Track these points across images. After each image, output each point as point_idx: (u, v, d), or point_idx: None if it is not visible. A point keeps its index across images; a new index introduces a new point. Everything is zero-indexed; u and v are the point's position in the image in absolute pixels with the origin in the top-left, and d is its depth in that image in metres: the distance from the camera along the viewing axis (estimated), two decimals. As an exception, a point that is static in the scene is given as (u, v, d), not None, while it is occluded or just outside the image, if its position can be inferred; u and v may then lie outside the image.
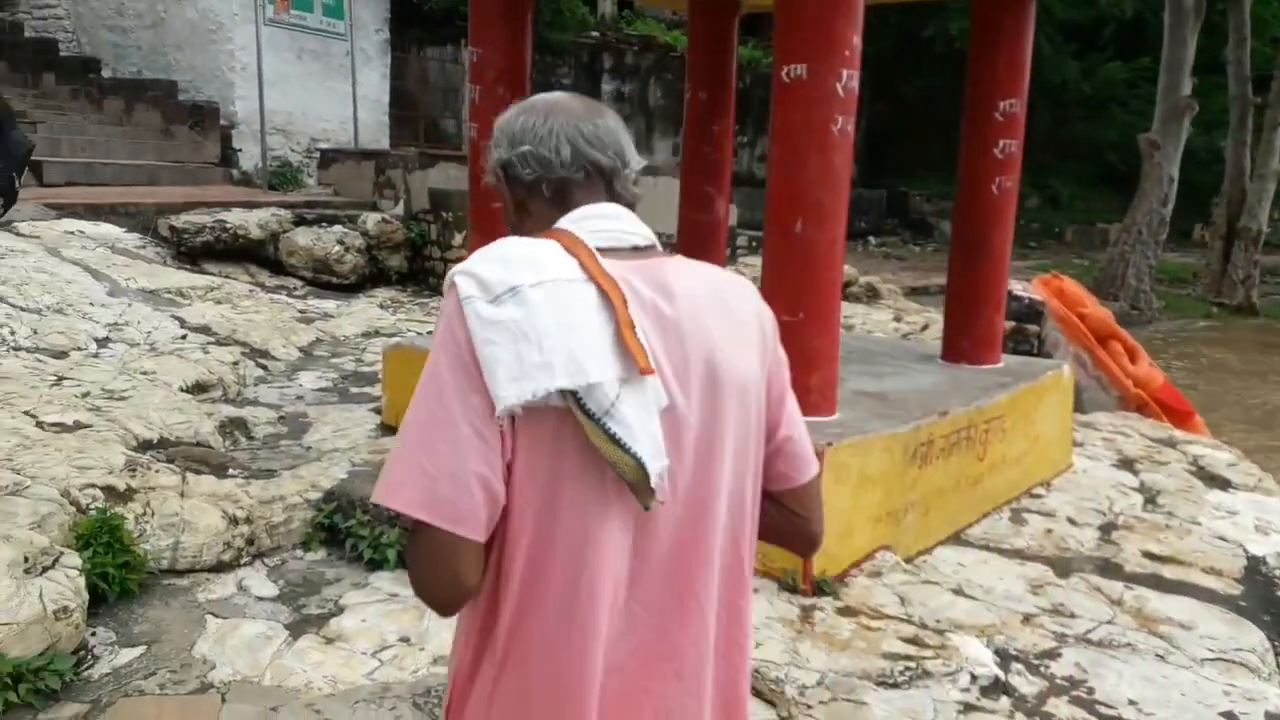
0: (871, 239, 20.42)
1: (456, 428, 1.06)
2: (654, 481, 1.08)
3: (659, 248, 1.23)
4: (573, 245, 1.14)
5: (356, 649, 2.86)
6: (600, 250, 1.14)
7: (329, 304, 7.72)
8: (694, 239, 5.62)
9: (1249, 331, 14.95)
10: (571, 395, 1.06)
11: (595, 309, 1.09)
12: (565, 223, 1.18)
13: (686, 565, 1.17)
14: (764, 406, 1.23)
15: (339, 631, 2.96)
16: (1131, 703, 2.85)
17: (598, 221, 1.18)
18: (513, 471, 1.09)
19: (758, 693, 2.71)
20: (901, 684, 2.72)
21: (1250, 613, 3.52)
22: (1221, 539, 4.10)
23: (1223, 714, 2.83)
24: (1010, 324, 6.90)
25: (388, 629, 2.95)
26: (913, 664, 2.79)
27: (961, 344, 4.85)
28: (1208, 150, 20.22)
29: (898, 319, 8.99)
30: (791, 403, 1.28)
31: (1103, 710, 2.80)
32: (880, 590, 3.28)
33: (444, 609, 1.14)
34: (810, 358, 3.62)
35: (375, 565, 3.33)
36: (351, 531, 3.45)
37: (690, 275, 1.20)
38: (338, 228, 8.65)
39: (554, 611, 1.12)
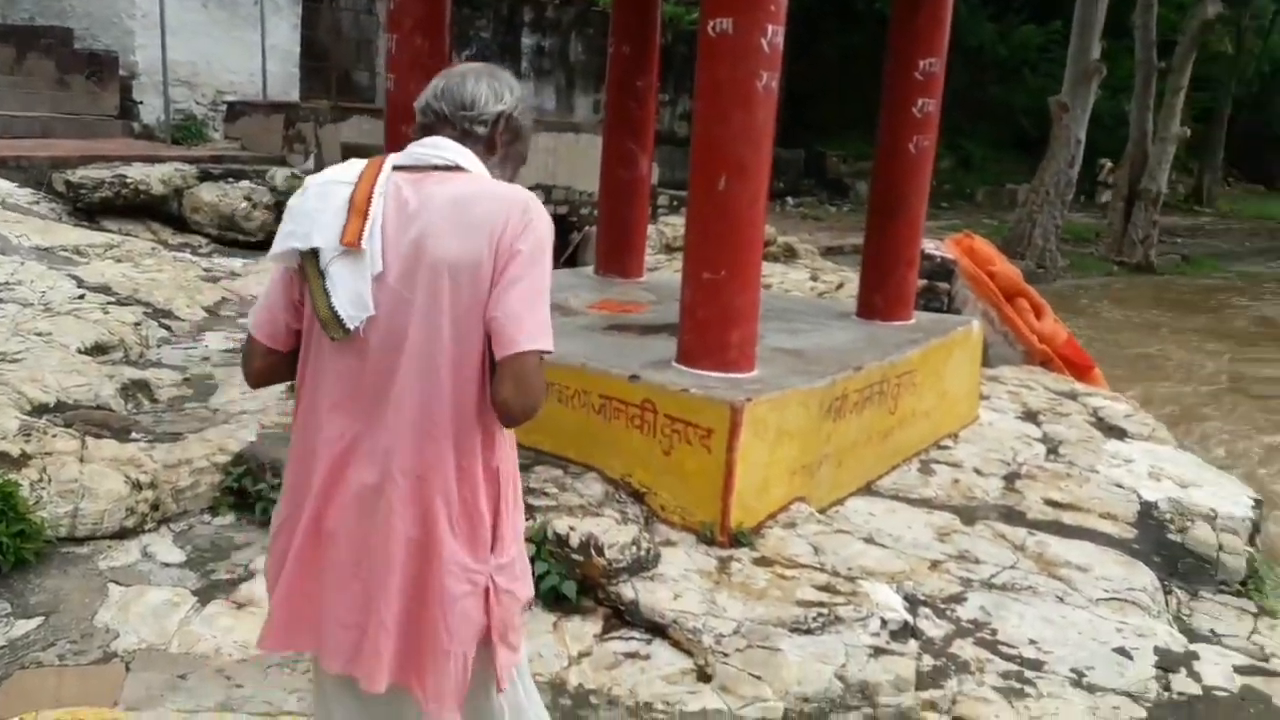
0: (789, 199, 20.55)
1: (273, 278, 1.65)
2: (347, 324, 1.52)
3: (464, 169, 1.60)
4: (373, 161, 1.60)
5: (269, 612, 2.81)
6: (400, 166, 1.59)
7: (236, 262, 7.47)
8: (617, 196, 5.57)
9: (1147, 289, 15.57)
10: (309, 254, 1.54)
11: (344, 201, 1.55)
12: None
13: (384, 387, 1.55)
14: (478, 286, 1.51)
15: (250, 596, 2.90)
16: (1032, 642, 2.98)
17: (416, 148, 1.63)
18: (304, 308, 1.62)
19: (675, 643, 2.75)
20: (815, 630, 2.79)
21: (1143, 555, 3.70)
22: (1118, 486, 4.29)
23: (1116, 650, 2.98)
24: (923, 282, 7.03)
25: (301, 591, 2.90)
26: (825, 611, 2.86)
27: (876, 301, 4.93)
28: (1113, 114, 20.82)
29: (814, 278, 9.11)
30: (511, 293, 1.51)
31: (1005, 650, 2.92)
32: (795, 540, 3.34)
33: (246, 380, 1.71)
34: (731, 315, 3.64)
35: (287, 527, 3.26)
36: (262, 495, 3.37)
37: (448, 185, 1.57)
38: (245, 183, 8.35)
39: (304, 409, 1.64)
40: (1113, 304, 14.04)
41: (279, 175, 8.59)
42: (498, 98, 1.65)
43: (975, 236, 7.72)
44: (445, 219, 1.52)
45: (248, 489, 3.43)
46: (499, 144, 1.67)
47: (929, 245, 7.31)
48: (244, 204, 8.10)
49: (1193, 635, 3.27)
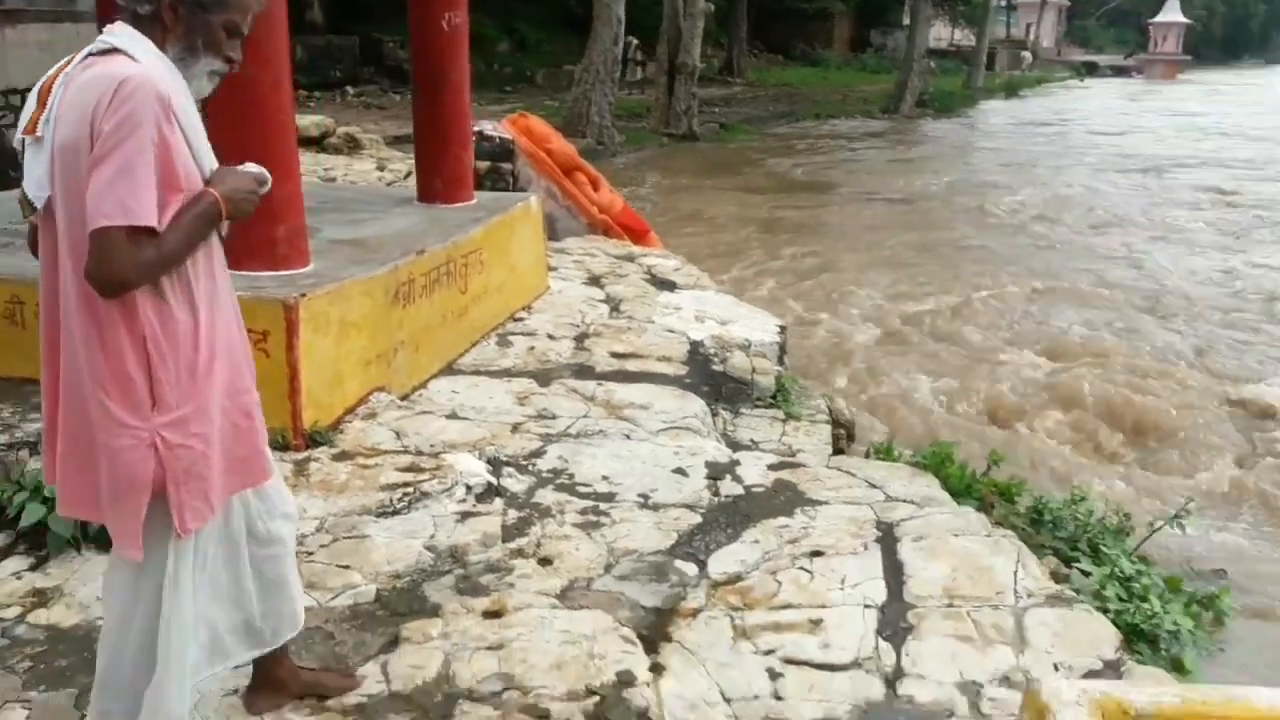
0: (349, 89, 19.60)
1: None
2: (34, 203, 1.64)
3: (124, 53, 1.62)
4: (76, 53, 1.66)
5: None
6: (90, 53, 1.65)
7: None
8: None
9: (692, 156, 17.17)
10: (21, 144, 1.65)
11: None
12: None
13: (62, 263, 1.65)
14: (79, 169, 1.58)
15: None
16: (604, 478, 3.27)
17: (102, 34, 1.68)
18: None
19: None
20: (401, 510, 2.83)
21: (693, 387, 4.18)
22: (670, 331, 4.77)
23: (674, 470, 3.37)
24: (485, 164, 7.16)
25: None
26: (411, 489, 2.91)
27: (435, 184, 4.92)
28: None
29: (381, 168, 8.87)
30: (95, 172, 1.56)
31: (581, 489, 3.18)
32: (376, 430, 3.33)
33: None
34: (272, 209, 3.40)
35: None
36: None
37: (91, 69, 1.62)
38: None
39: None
40: (664, 172, 15.32)
41: None
42: None
43: (530, 116, 7.94)
44: (67, 106, 1.59)
45: None
46: (172, 21, 1.66)
47: (487, 126, 7.41)
48: None
49: (736, 446, 3.78)
